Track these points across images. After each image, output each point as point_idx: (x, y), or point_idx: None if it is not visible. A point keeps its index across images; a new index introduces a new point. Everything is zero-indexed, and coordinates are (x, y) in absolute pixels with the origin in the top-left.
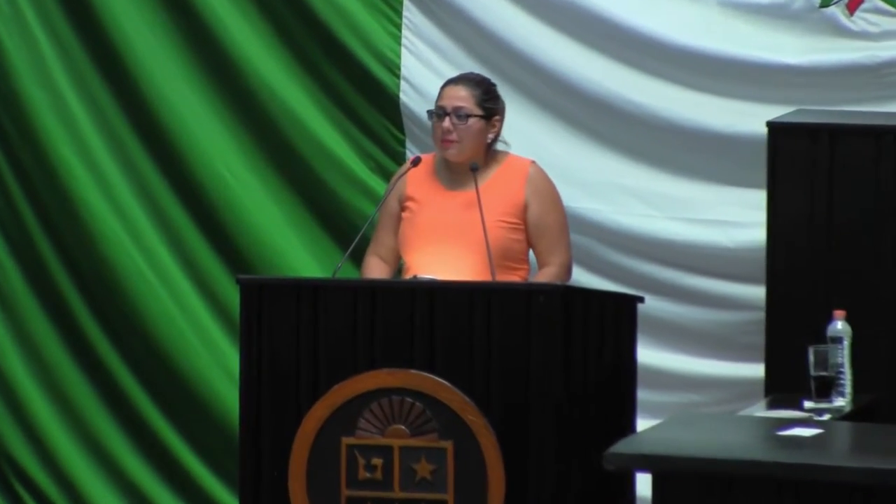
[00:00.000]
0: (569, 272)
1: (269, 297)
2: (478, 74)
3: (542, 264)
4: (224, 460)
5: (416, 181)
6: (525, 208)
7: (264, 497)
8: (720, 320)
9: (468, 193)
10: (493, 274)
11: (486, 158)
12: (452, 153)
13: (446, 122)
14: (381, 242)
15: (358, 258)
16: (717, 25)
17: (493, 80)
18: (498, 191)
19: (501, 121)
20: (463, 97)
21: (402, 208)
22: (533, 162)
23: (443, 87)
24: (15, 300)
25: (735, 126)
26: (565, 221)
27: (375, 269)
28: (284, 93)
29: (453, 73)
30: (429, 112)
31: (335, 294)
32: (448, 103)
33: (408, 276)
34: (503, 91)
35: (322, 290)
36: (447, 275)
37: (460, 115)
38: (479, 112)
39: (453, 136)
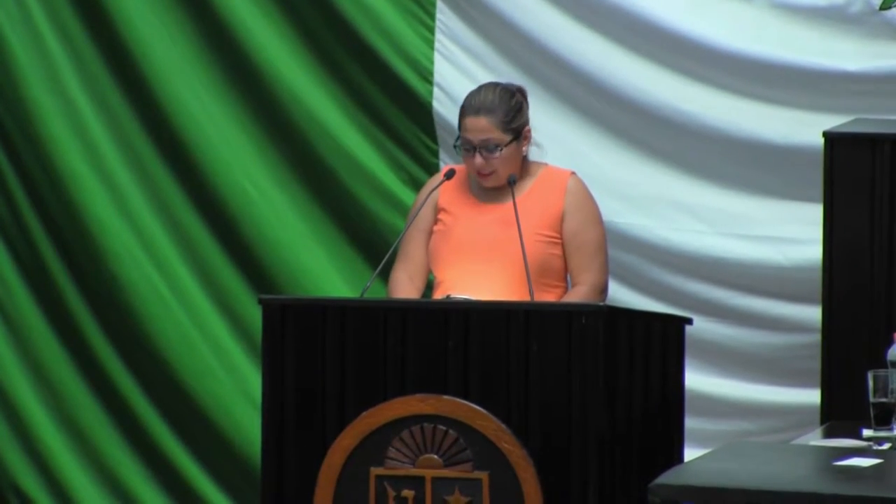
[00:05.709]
0: (601, 294)
1: (294, 318)
2: (493, 88)
3: (573, 283)
4: (245, 492)
5: (449, 193)
6: (562, 220)
7: None
8: (774, 343)
9: (503, 206)
10: (531, 292)
11: (521, 170)
12: (490, 182)
13: (478, 159)
14: (411, 257)
15: (389, 276)
16: (769, 29)
17: (533, 86)
18: (535, 203)
19: (530, 127)
20: (486, 128)
21: (435, 221)
22: (573, 173)
23: (463, 116)
24: (22, 321)
25: (790, 136)
26: (604, 240)
27: (404, 287)
28: (311, 100)
29: (490, 80)
30: (455, 145)
31: (364, 315)
32: (473, 137)
33: (439, 292)
34: (543, 98)
35: (350, 310)
36: (482, 293)
37: (489, 147)
38: (507, 138)
39: (488, 170)
